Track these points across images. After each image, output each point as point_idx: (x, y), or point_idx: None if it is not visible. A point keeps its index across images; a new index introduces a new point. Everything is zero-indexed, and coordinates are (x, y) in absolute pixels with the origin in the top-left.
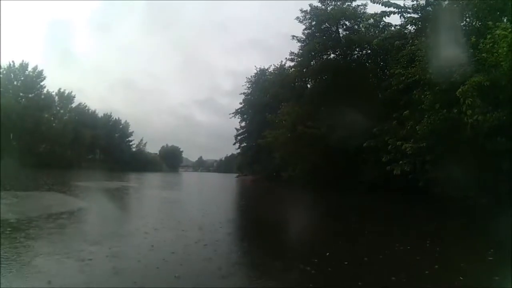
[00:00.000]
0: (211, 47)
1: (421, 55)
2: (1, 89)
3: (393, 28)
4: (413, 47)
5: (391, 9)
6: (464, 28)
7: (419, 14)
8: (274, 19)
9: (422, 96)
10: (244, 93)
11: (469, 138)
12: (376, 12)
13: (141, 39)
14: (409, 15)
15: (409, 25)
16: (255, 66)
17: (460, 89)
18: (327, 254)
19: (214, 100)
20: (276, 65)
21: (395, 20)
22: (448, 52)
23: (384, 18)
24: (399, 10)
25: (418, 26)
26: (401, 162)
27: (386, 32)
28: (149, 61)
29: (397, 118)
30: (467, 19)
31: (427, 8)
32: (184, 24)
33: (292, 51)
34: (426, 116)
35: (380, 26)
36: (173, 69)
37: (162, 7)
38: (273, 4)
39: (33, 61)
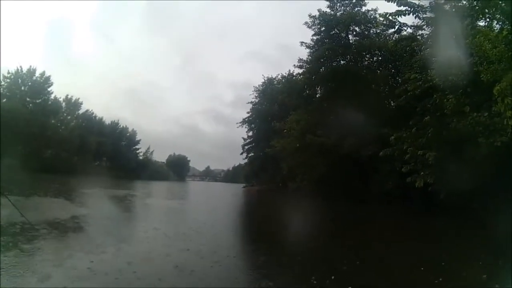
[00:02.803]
0: (214, 58)
1: (440, 57)
2: (8, 94)
3: (407, 29)
4: (427, 50)
5: (407, 8)
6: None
7: (437, 14)
8: (274, 30)
9: (445, 100)
10: (251, 102)
11: (503, 143)
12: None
13: (143, 47)
14: (425, 15)
15: (425, 26)
16: (262, 75)
17: (497, 87)
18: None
19: (217, 110)
20: (284, 74)
21: (409, 22)
22: (473, 50)
23: (399, 18)
24: (415, 9)
25: (434, 27)
26: (422, 173)
27: (401, 34)
28: (152, 69)
29: (415, 125)
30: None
31: (445, 6)
32: (188, 33)
33: (301, 58)
34: (454, 120)
35: (396, 26)
36: (176, 78)
37: (167, 15)
38: (272, 14)
39: (34, 66)
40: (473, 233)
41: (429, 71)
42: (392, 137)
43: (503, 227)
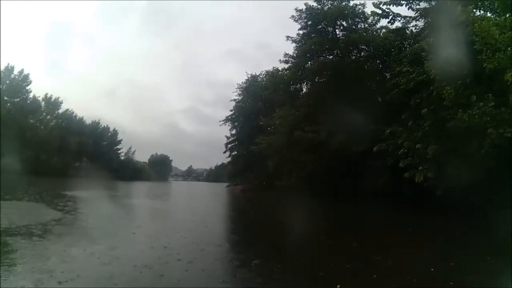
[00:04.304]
0: (196, 57)
1: (437, 47)
2: None
3: (400, 20)
4: (417, 44)
5: None
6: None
7: (432, 4)
8: (255, 29)
9: (444, 91)
10: (234, 100)
11: None
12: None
13: (125, 46)
14: (418, 6)
15: (418, 17)
16: (246, 72)
17: (510, 73)
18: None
19: (199, 109)
20: (269, 70)
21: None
22: (477, 37)
23: (392, 8)
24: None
25: (430, 17)
26: (421, 168)
27: (391, 27)
28: (133, 68)
29: (408, 119)
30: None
31: None
32: (168, 34)
33: (287, 53)
34: (460, 111)
35: (390, 16)
36: (157, 77)
37: (149, 16)
38: (253, 12)
39: (18, 66)
40: (473, 231)
41: (425, 62)
42: (387, 131)
43: (506, 224)
